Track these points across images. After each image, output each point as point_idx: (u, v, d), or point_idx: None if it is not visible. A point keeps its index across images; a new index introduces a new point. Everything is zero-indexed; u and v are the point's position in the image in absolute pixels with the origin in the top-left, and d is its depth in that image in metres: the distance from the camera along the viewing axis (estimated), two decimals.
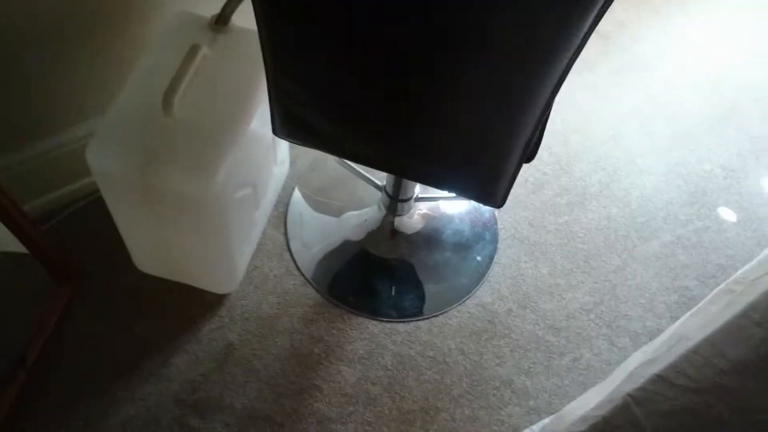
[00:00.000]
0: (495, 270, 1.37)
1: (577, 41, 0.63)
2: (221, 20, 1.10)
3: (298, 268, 1.34)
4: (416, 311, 1.30)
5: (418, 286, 1.34)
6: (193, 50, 1.02)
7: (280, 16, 0.77)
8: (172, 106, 0.98)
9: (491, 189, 0.93)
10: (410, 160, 0.94)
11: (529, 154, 0.87)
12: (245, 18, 1.09)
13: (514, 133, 0.80)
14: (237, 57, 1.09)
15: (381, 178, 1.35)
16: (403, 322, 1.30)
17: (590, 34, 0.63)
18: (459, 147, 0.85)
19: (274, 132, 1.01)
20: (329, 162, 1.48)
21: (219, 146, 1.00)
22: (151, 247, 1.19)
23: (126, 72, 1.22)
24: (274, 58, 0.85)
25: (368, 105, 0.84)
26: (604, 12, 0.60)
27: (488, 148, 0.85)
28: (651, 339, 1.31)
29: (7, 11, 1.02)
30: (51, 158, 1.26)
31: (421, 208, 1.41)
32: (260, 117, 1.07)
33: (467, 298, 1.33)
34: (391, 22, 0.70)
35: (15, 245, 1.16)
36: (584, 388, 1.25)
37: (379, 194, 1.38)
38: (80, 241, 1.33)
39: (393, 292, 1.32)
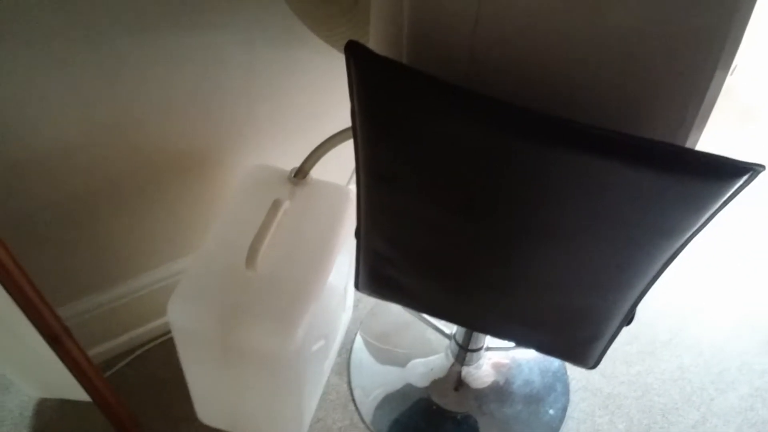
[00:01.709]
0: (569, 425, 1.31)
1: (702, 224, 0.62)
2: (300, 174, 1.12)
3: (363, 421, 1.29)
4: None
5: None
6: (276, 205, 1.04)
7: (382, 183, 0.77)
8: (256, 261, 0.98)
9: (586, 351, 0.90)
10: (500, 321, 0.92)
11: (630, 317, 0.84)
12: (319, 169, 1.11)
13: (619, 300, 0.78)
14: (315, 210, 1.10)
15: (449, 324, 1.33)
16: None
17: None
18: (558, 311, 0.83)
19: (357, 287, 1.00)
20: (392, 306, 1.46)
21: (300, 302, 0.99)
22: (219, 399, 1.15)
23: (203, 223, 1.24)
24: (369, 221, 0.85)
25: (466, 269, 0.82)
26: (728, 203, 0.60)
27: (587, 313, 0.82)
28: None
29: (85, 176, 1.05)
30: (119, 305, 1.25)
31: (491, 357, 1.37)
32: (335, 268, 1.06)
33: None
34: (503, 193, 0.69)
35: (78, 394, 1.13)
36: None
37: (446, 341, 1.34)
38: (141, 388, 1.30)
39: None
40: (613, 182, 0.59)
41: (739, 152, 0.85)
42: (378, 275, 0.94)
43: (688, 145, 0.64)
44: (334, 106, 1.26)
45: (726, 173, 0.55)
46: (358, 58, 0.62)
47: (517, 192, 0.68)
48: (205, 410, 1.21)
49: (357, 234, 0.91)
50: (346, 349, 1.40)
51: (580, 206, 0.64)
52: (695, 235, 0.65)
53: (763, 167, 0.55)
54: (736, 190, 0.57)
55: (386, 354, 1.40)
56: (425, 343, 1.41)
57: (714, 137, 0.92)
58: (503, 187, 0.68)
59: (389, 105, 0.65)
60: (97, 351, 1.29)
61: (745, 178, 0.56)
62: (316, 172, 1.13)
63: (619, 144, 0.56)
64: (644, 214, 0.62)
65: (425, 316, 1.36)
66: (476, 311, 0.92)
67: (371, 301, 1.48)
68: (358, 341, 1.40)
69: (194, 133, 1.12)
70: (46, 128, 0.95)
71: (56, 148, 0.98)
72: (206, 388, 1.14)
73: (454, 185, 0.71)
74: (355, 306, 1.46)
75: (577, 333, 0.86)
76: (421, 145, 0.68)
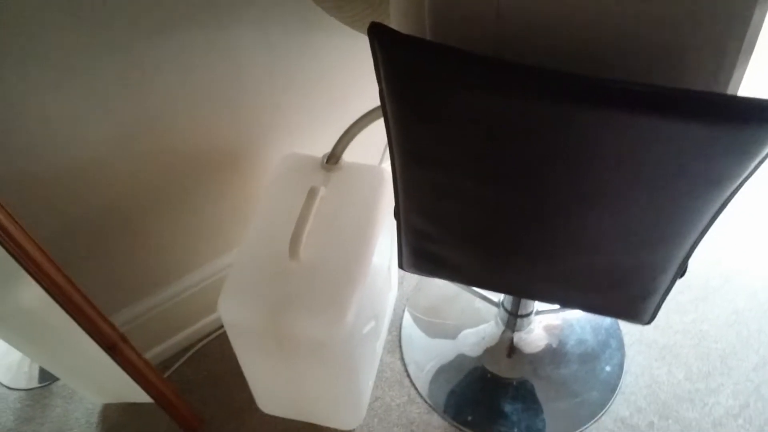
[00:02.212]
0: (627, 380, 1.30)
1: (751, 171, 0.60)
2: (332, 159, 1.12)
3: (420, 395, 1.30)
4: None
5: (547, 405, 1.27)
6: (313, 193, 1.04)
7: (417, 161, 0.77)
8: (298, 251, 0.98)
9: (640, 308, 0.88)
10: (548, 287, 0.91)
11: (683, 269, 0.82)
12: (352, 153, 1.11)
13: (670, 255, 0.76)
14: (351, 193, 1.09)
15: (496, 293, 1.32)
16: None
17: None
18: (609, 272, 0.82)
19: (401, 266, 1.00)
20: (437, 280, 1.46)
21: (346, 286, 0.99)
22: (277, 388, 1.17)
23: (241, 216, 1.25)
24: (407, 200, 0.84)
25: (508, 239, 0.81)
26: None
27: (639, 270, 0.81)
28: None
29: (122, 184, 1.06)
30: (170, 306, 1.27)
31: (542, 320, 1.36)
32: (378, 248, 1.06)
33: (602, 414, 1.25)
34: (542, 161, 0.68)
35: (140, 397, 1.16)
36: None
37: (494, 309, 1.34)
38: (201, 384, 1.33)
39: (521, 413, 1.26)
40: (657, 138, 0.57)
41: None
42: (421, 252, 0.94)
43: (730, 90, 0.62)
44: (357, 88, 1.25)
45: None
46: (382, 39, 0.61)
47: (558, 158, 0.66)
48: (265, 400, 1.23)
49: (396, 214, 0.91)
50: (396, 327, 1.40)
51: (624, 166, 0.62)
52: (744, 182, 0.63)
53: None
54: None
55: (436, 327, 1.40)
56: (474, 312, 1.41)
57: (753, 84, 0.89)
58: (541, 154, 0.67)
59: (418, 83, 0.64)
60: (154, 353, 1.32)
61: None
62: (348, 155, 1.12)
63: (658, 98, 0.55)
64: (691, 166, 0.60)
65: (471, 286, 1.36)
66: (522, 280, 0.91)
67: (415, 277, 1.48)
68: (407, 318, 1.41)
69: (222, 130, 1.12)
70: (76, 139, 0.96)
71: (88, 159, 0.99)
72: (264, 379, 1.16)
73: (489, 157, 0.70)
74: (400, 283, 1.47)
75: (630, 291, 0.85)
76: (454, 119, 0.66)
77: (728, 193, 0.64)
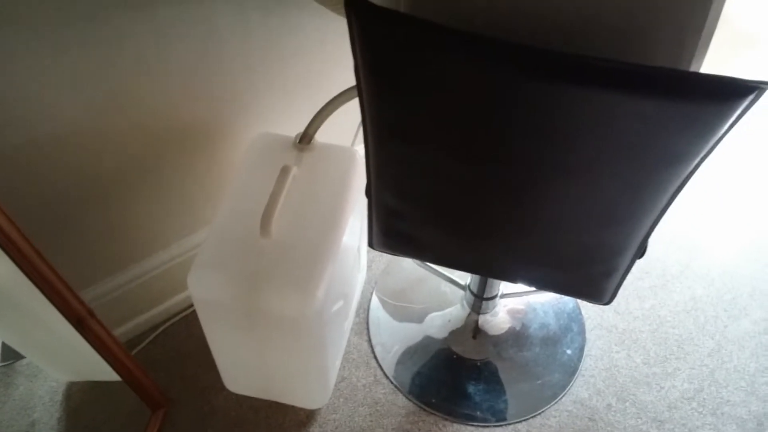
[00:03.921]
0: (587, 363, 1.33)
1: (711, 147, 0.63)
2: (305, 139, 1.13)
3: (386, 376, 1.32)
4: (511, 413, 1.26)
5: (509, 386, 1.30)
6: (285, 171, 1.04)
7: (391, 136, 0.78)
8: (269, 229, 0.99)
9: (600, 288, 0.91)
10: (514, 264, 0.93)
11: (642, 249, 0.85)
12: (323, 131, 1.12)
13: (632, 233, 0.79)
14: (323, 173, 1.11)
15: (462, 276, 1.34)
16: (500, 426, 1.25)
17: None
18: (568, 250, 0.84)
19: (371, 245, 1.01)
20: (405, 263, 1.48)
21: (317, 265, 1.00)
22: (245, 367, 1.18)
23: (213, 195, 1.25)
24: (380, 178, 0.86)
25: (478, 215, 0.84)
26: (735, 124, 0.60)
27: (601, 248, 0.83)
28: (759, 425, 1.26)
29: (93, 158, 1.06)
30: (139, 284, 1.27)
31: (506, 304, 1.39)
32: (349, 228, 1.08)
33: (563, 396, 1.29)
34: (512, 135, 0.70)
35: (106, 375, 1.16)
36: None
37: (461, 291, 1.36)
38: (168, 363, 1.32)
39: (484, 394, 1.29)
40: (621, 112, 0.60)
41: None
42: (391, 231, 0.95)
43: (692, 69, 0.64)
44: (331, 68, 1.26)
45: (731, 93, 0.56)
46: (358, 11, 0.62)
47: (526, 132, 0.68)
48: (232, 379, 1.24)
49: (367, 192, 0.92)
50: (364, 310, 1.42)
51: (589, 140, 0.65)
52: (704, 160, 0.66)
53: (767, 84, 0.55)
54: (742, 111, 0.58)
55: (403, 311, 1.42)
56: (440, 296, 1.43)
57: (714, 65, 0.93)
58: (511, 128, 0.69)
59: (393, 55, 0.65)
60: (121, 331, 1.31)
61: (750, 97, 0.56)
62: (322, 137, 1.13)
63: (623, 73, 0.57)
64: (654, 141, 0.63)
65: (439, 269, 1.38)
66: (490, 257, 0.93)
67: (384, 261, 1.49)
68: (375, 301, 1.43)
69: (196, 106, 1.12)
70: (47, 112, 0.96)
71: (57, 134, 0.99)
72: (231, 357, 1.17)
73: (462, 131, 0.72)
74: (369, 267, 1.48)
75: (592, 269, 0.88)
76: (428, 93, 0.68)
77: (689, 170, 0.67)
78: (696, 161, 0.65)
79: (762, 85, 0.55)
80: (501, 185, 0.77)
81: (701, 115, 0.58)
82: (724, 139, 0.63)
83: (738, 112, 0.58)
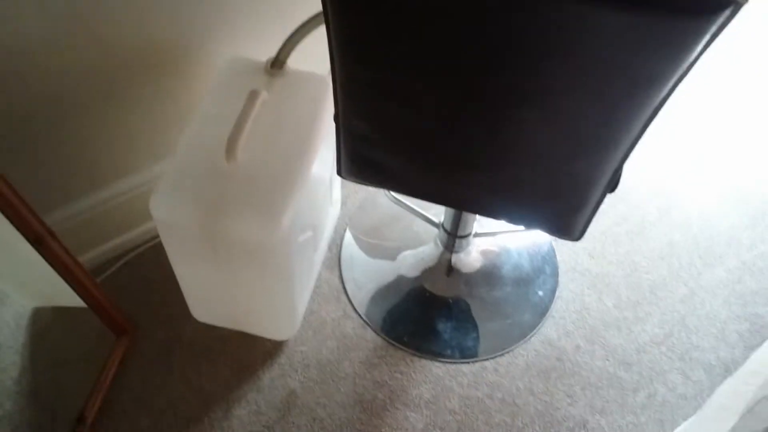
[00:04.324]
0: (558, 305, 1.33)
1: (686, 68, 0.60)
2: (276, 64, 1.09)
3: (355, 311, 1.31)
4: (480, 351, 1.26)
5: (479, 325, 1.30)
6: (253, 96, 1.01)
7: (359, 60, 0.75)
8: (235, 152, 0.96)
9: (571, 222, 0.90)
10: (484, 196, 0.91)
11: (614, 183, 0.83)
12: (297, 60, 1.08)
13: (604, 163, 0.77)
14: (294, 99, 1.07)
15: (437, 214, 1.32)
16: (468, 362, 1.25)
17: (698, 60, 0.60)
18: (541, 181, 0.82)
19: (339, 173, 0.98)
20: (380, 199, 1.46)
21: (283, 191, 0.98)
22: (211, 296, 1.16)
23: (181, 121, 1.22)
24: (347, 101, 0.83)
25: (448, 144, 0.81)
26: (711, 43, 0.58)
27: (573, 180, 0.81)
28: (726, 370, 1.26)
29: (54, 77, 1.02)
30: (104, 210, 1.24)
31: (480, 244, 1.37)
32: (319, 158, 1.05)
33: (532, 335, 1.28)
34: (476, 53, 0.67)
35: (71, 300, 1.14)
36: (662, 425, 1.20)
37: (435, 231, 1.35)
38: (135, 291, 1.31)
39: (454, 332, 1.28)
40: (596, 28, 0.57)
41: None
42: (360, 158, 0.93)
43: None
44: None
45: (707, 6, 0.53)
46: None
47: (498, 52, 0.66)
48: (199, 308, 1.23)
49: (336, 117, 0.89)
50: (336, 245, 1.40)
51: (563, 59, 0.62)
52: (677, 83, 0.63)
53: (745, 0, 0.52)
54: (717, 29, 0.55)
55: (376, 248, 1.41)
56: (414, 235, 1.42)
57: None
58: (482, 48, 0.66)
59: None
60: (88, 257, 1.29)
61: (726, 13, 0.53)
62: (295, 63, 1.10)
63: None
64: (629, 60, 0.60)
65: (413, 206, 1.36)
66: (460, 188, 0.91)
67: (359, 197, 1.47)
68: (348, 237, 1.41)
69: (163, 25, 1.07)
70: (5, 33, 0.91)
71: (19, 52, 0.94)
72: (197, 286, 1.15)
73: (430, 50, 0.69)
74: (343, 203, 1.46)
75: (562, 203, 0.86)
76: (394, 7, 0.65)
77: (663, 93, 0.65)
78: (670, 84, 0.63)
79: (739, 0, 0.52)
80: (471, 110, 0.74)
81: (677, 30, 0.56)
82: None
83: (713, 29, 0.55)
